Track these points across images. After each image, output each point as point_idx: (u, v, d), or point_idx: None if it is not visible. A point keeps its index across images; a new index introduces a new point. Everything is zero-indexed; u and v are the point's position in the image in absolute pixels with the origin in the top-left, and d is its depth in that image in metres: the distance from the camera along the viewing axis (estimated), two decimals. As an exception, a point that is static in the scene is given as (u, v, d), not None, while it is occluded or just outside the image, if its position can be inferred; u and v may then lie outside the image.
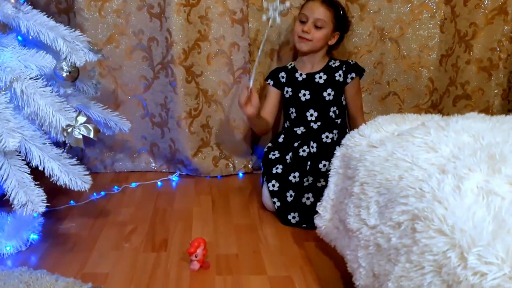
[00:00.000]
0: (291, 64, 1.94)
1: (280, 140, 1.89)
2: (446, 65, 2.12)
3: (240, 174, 2.20)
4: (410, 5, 2.05)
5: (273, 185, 1.74)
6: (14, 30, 1.41)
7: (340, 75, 1.84)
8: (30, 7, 1.40)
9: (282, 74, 1.92)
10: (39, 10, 1.43)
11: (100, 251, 1.49)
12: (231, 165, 2.19)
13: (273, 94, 1.94)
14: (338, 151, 1.34)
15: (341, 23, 1.85)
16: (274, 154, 1.84)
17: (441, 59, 2.10)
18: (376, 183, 1.06)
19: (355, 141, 1.25)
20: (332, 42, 1.85)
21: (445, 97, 2.17)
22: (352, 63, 1.87)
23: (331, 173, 1.35)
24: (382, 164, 1.07)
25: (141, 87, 2.10)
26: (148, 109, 2.14)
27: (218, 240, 1.57)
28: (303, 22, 1.80)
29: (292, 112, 1.88)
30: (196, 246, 1.38)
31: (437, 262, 0.77)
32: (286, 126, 1.93)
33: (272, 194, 1.74)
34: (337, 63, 1.87)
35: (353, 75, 1.84)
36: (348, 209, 1.16)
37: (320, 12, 1.77)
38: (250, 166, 2.22)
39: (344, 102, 1.88)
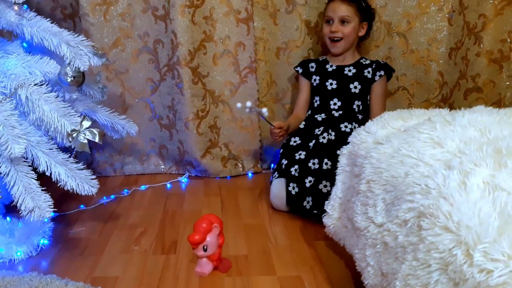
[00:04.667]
0: (323, 57, 2.00)
1: (301, 126, 1.91)
2: (456, 58, 2.08)
3: (250, 174, 2.19)
4: (417, -2, 2.03)
5: (296, 170, 1.73)
6: (19, 37, 1.42)
7: (369, 72, 1.90)
8: (33, 13, 1.41)
9: (312, 64, 1.98)
10: (44, 16, 1.44)
11: (110, 255, 1.50)
12: (240, 165, 2.19)
13: (305, 87, 1.99)
14: (345, 149, 1.32)
15: (366, 13, 1.91)
16: (295, 141, 1.85)
17: (450, 52, 2.07)
18: (382, 181, 1.04)
19: (361, 138, 1.24)
20: (362, 33, 1.92)
21: (455, 91, 2.14)
22: (382, 62, 1.92)
23: (338, 171, 1.34)
24: (388, 161, 1.05)
25: (148, 90, 2.11)
26: (155, 112, 2.15)
27: (227, 241, 1.55)
28: (329, 23, 1.88)
29: (316, 101, 1.94)
30: (202, 231, 1.14)
31: (443, 259, 0.75)
32: (308, 114, 1.96)
33: (292, 179, 1.72)
34: (367, 61, 1.94)
35: (382, 73, 1.89)
36: (356, 207, 1.14)
37: (343, 10, 1.85)
38: (259, 165, 2.21)
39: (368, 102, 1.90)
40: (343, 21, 1.86)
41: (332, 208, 1.33)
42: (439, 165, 0.91)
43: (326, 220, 1.36)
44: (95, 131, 1.27)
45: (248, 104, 1.69)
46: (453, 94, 2.14)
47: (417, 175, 0.92)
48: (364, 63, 1.93)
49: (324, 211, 1.44)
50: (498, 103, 2.14)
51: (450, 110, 2.09)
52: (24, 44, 1.44)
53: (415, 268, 0.82)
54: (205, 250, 1.16)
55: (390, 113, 1.29)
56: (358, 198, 1.14)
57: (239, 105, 1.72)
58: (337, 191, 1.32)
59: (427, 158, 0.96)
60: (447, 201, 0.79)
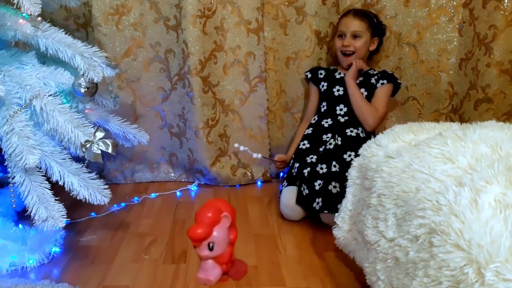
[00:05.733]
0: (334, 67, 2.05)
1: (309, 131, 1.95)
2: (466, 68, 2.08)
3: (259, 183, 2.20)
4: (427, 9, 2.04)
5: (308, 172, 1.77)
6: (34, 47, 1.44)
7: (375, 79, 1.93)
8: (48, 24, 1.43)
9: (322, 71, 2.04)
10: (57, 26, 1.46)
11: (120, 263, 1.51)
12: (249, 174, 2.19)
13: (314, 95, 2.05)
14: (355, 161, 1.33)
15: (377, 29, 1.97)
16: (304, 144, 1.90)
17: (460, 62, 2.07)
18: (393, 195, 1.05)
19: (372, 151, 1.24)
20: (373, 47, 1.98)
21: (465, 101, 2.13)
22: (389, 73, 1.97)
23: (348, 183, 1.34)
24: (399, 175, 1.05)
25: (159, 99, 2.13)
26: (166, 120, 2.16)
27: (237, 251, 1.55)
28: (341, 37, 1.95)
29: (324, 106, 1.98)
30: (207, 223, 0.81)
31: (454, 277, 0.75)
32: (315, 119, 1.99)
33: (304, 180, 1.76)
34: (375, 72, 1.98)
35: (384, 81, 1.92)
36: (366, 221, 1.15)
37: (355, 25, 1.91)
38: (268, 174, 2.22)
39: None
40: (355, 36, 1.92)
41: (342, 220, 1.34)
42: (450, 181, 0.91)
43: (336, 232, 1.37)
44: (108, 142, 1.29)
45: (241, 148, 1.92)
46: (463, 105, 2.13)
47: (429, 191, 0.93)
48: (371, 73, 1.97)
49: (334, 210, 1.50)
50: (509, 114, 2.13)
51: (460, 121, 2.12)
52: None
53: (426, 284, 0.83)
54: (211, 249, 0.86)
55: (400, 126, 1.30)
56: (369, 211, 1.14)
57: (236, 145, 1.95)
58: (348, 203, 1.32)
59: (438, 173, 0.96)
60: (458, 218, 0.80)
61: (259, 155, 1.94)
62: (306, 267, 1.47)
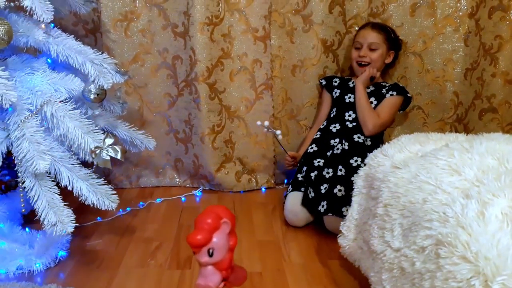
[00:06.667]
0: (348, 77, 2.08)
1: (317, 135, 1.97)
2: (471, 78, 2.09)
3: (263, 189, 2.21)
4: (433, 19, 2.05)
5: (315, 176, 1.79)
6: (44, 53, 1.46)
7: (385, 90, 1.95)
8: (59, 31, 1.45)
9: (336, 79, 2.07)
10: (67, 31, 1.48)
11: (126, 268, 1.52)
12: (254, 180, 2.21)
13: (326, 102, 2.07)
14: (362, 171, 1.34)
15: (394, 43, 2.00)
16: (312, 148, 1.92)
17: (465, 72, 2.08)
18: (400, 205, 1.06)
19: (378, 161, 1.25)
20: (388, 60, 2.01)
21: (470, 111, 2.14)
22: (400, 85, 1.98)
23: (354, 192, 1.35)
24: (406, 186, 1.06)
25: (166, 104, 2.15)
26: (172, 126, 2.18)
27: (241, 257, 1.58)
28: (358, 49, 1.97)
29: (333, 112, 2.00)
30: (207, 229, 0.86)
31: (461, 289, 0.76)
32: (324, 124, 2.01)
33: (310, 183, 1.78)
34: (387, 84, 2.00)
35: (394, 93, 1.94)
36: (372, 230, 1.16)
37: (372, 36, 1.94)
38: (272, 181, 2.23)
39: None
40: (371, 48, 1.94)
41: (348, 229, 1.35)
42: (457, 193, 0.92)
43: (341, 240, 1.38)
44: (117, 148, 1.30)
45: (266, 123, 1.87)
46: (468, 114, 2.14)
47: (435, 203, 0.94)
48: (383, 84, 1.99)
49: (339, 213, 1.59)
50: (513, 124, 2.14)
51: (464, 130, 2.12)
52: (49, 60, 1.49)
53: (432, 295, 0.84)
54: (210, 255, 0.88)
55: (407, 136, 1.30)
56: (374, 221, 1.15)
57: (258, 122, 1.91)
58: (353, 212, 1.33)
59: (445, 185, 0.97)
60: (465, 230, 0.81)
61: (280, 136, 1.93)
62: (311, 275, 1.48)
